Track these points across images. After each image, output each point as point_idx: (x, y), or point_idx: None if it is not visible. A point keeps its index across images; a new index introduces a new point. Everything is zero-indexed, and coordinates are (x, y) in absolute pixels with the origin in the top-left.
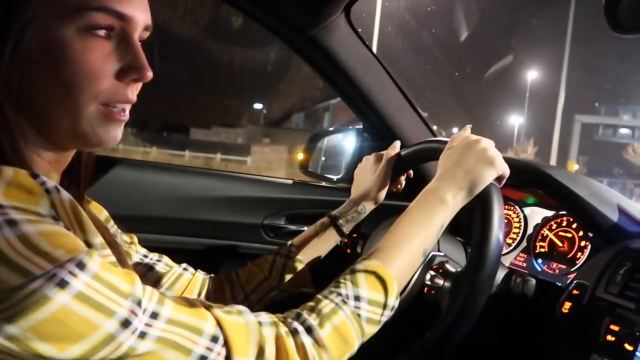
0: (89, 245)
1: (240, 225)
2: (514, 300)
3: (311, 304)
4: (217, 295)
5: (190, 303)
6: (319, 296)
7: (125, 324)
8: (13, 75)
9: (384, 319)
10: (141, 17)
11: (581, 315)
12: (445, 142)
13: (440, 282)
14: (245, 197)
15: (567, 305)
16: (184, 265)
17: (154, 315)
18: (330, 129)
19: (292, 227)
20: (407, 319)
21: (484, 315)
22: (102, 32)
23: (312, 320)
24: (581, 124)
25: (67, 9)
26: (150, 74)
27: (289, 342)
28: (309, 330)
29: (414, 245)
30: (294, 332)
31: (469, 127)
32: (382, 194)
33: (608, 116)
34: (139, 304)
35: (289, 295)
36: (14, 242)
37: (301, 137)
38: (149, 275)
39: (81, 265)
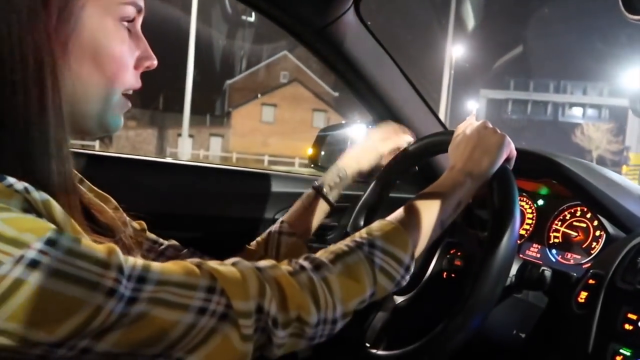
0: None
1: (253, 220)
2: (529, 290)
3: (325, 249)
4: None
5: (179, 264)
6: (333, 245)
7: (111, 292)
8: (59, 66)
9: (398, 277)
10: (143, 9)
11: (598, 305)
12: (452, 133)
13: (459, 261)
14: (257, 192)
15: (584, 295)
16: (192, 249)
17: (141, 280)
18: (335, 123)
19: None
20: (429, 304)
21: (499, 305)
22: (126, 24)
23: (323, 257)
24: (487, 99)
25: (109, 2)
26: (156, 62)
27: (293, 279)
28: (318, 267)
29: (430, 215)
30: (299, 270)
31: (473, 115)
32: (365, 166)
33: (517, 90)
34: (121, 271)
35: None
36: None
37: (175, 120)
38: (161, 260)
39: (50, 242)
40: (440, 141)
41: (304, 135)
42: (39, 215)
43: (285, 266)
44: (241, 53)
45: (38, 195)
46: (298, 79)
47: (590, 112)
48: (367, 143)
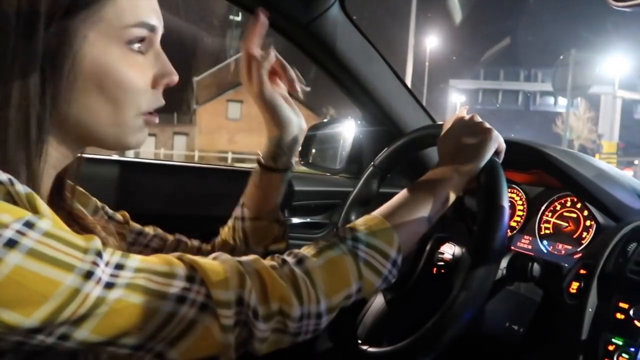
0: None
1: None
2: (521, 282)
3: (310, 244)
4: None
5: (159, 256)
6: (317, 240)
7: (88, 275)
8: (60, 96)
9: (385, 271)
10: (161, 25)
11: (589, 295)
12: (440, 126)
13: (449, 256)
14: (228, 190)
15: (575, 285)
16: (178, 236)
17: (119, 267)
18: (327, 120)
19: (295, 220)
20: (420, 300)
21: (491, 298)
22: (136, 47)
23: (306, 252)
24: (456, 90)
25: (113, 28)
26: (177, 77)
27: (274, 272)
28: (300, 261)
29: (417, 210)
30: (281, 263)
31: (464, 108)
32: (295, 131)
33: (488, 80)
34: (99, 255)
35: (264, 253)
36: None
37: None
38: (145, 254)
39: (29, 224)
40: (428, 134)
41: None
42: (23, 206)
43: (267, 261)
44: (211, 49)
45: (22, 188)
46: None
47: (561, 100)
48: (287, 116)
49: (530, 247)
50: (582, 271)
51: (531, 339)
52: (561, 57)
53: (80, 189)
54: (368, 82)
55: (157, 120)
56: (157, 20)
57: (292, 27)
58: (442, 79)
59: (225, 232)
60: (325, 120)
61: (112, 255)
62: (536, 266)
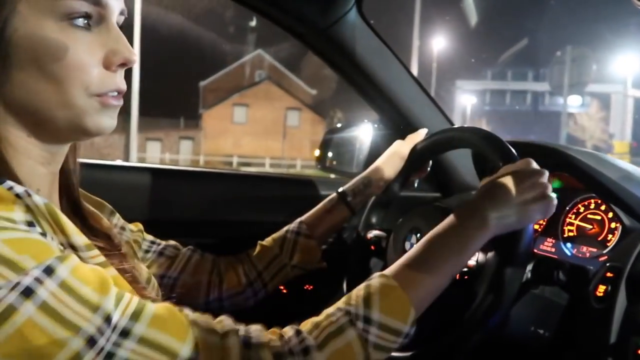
0: (71, 246)
1: (263, 224)
2: (546, 286)
3: (317, 319)
4: (229, 276)
5: (172, 316)
6: (326, 311)
7: (91, 342)
8: (4, 77)
9: (395, 346)
10: (116, 2)
11: (617, 298)
12: (460, 129)
13: (473, 262)
14: (267, 196)
15: (602, 288)
16: (191, 247)
17: (125, 334)
18: (340, 125)
19: None
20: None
21: (516, 303)
22: (80, 22)
23: (312, 340)
24: (463, 91)
25: (44, 0)
26: (135, 57)
27: None
28: (306, 351)
29: (441, 270)
30: (287, 354)
31: (529, 161)
32: (389, 173)
33: (495, 80)
34: (108, 319)
35: (302, 271)
36: None
37: (148, 124)
38: (160, 262)
39: (49, 271)
40: (450, 137)
41: (278, 135)
42: (43, 219)
43: (274, 341)
44: (218, 53)
45: (39, 199)
46: (270, 77)
47: (571, 100)
48: (391, 150)
49: (553, 249)
50: (608, 274)
51: (557, 343)
52: (558, 53)
53: (90, 195)
54: (386, 86)
55: (119, 102)
56: None
57: (310, 33)
58: (452, 80)
59: (271, 240)
60: (339, 125)
61: (122, 316)
62: (561, 269)
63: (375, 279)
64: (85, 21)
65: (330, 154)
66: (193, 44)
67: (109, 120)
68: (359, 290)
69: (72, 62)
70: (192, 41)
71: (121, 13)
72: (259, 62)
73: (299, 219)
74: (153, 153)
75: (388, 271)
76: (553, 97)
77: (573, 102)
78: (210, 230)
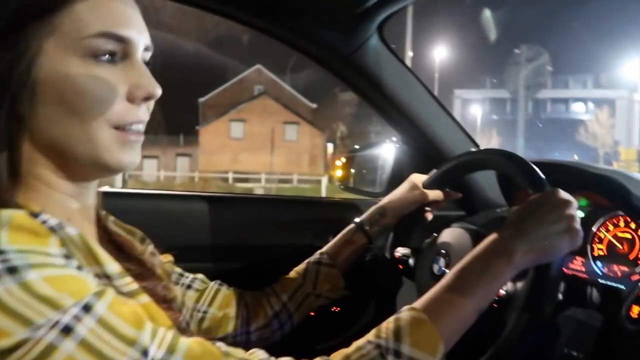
0: (105, 276)
1: (288, 247)
2: (578, 308)
3: (347, 351)
4: (256, 309)
5: (205, 349)
6: (356, 343)
7: None
8: (25, 112)
9: None
10: (140, 38)
11: None
12: (484, 151)
13: (502, 292)
14: (292, 219)
15: (636, 309)
16: (219, 281)
17: None
18: (364, 144)
19: None
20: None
21: (548, 327)
22: (105, 57)
23: None
24: (461, 99)
25: (71, 39)
26: (159, 90)
27: None
28: None
29: (469, 305)
30: None
31: (568, 198)
32: (404, 204)
33: (494, 88)
34: (145, 353)
35: (326, 301)
36: (15, 291)
37: (147, 142)
38: (188, 294)
39: (87, 308)
40: (475, 159)
41: (277, 150)
42: (78, 250)
43: None
44: (216, 70)
45: (73, 230)
46: (267, 92)
47: (574, 106)
48: (408, 181)
49: (583, 269)
50: None
51: None
52: (516, 50)
53: (121, 223)
54: (409, 108)
55: (140, 138)
56: (131, 31)
57: (333, 59)
58: (450, 89)
59: (293, 272)
60: (358, 146)
61: (158, 348)
62: (595, 291)
63: (405, 312)
64: (110, 57)
65: (354, 171)
66: (186, 60)
67: (131, 156)
68: (389, 323)
69: (95, 97)
70: (184, 57)
71: (146, 49)
72: (258, 77)
73: (319, 251)
74: (149, 170)
75: (417, 304)
76: (554, 104)
77: (577, 109)
78: (236, 254)
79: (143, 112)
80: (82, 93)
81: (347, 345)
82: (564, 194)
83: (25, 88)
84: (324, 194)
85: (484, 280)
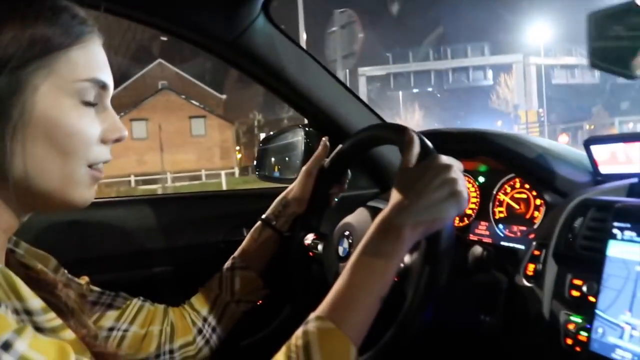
0: (26, 312)
1: (199, 247)
2: (487, 273)
3: None
4: (181, 324)
5: None
6: None
7: None
8: (8, 145)
9: None
10: (111, 83)
11: (545, 275)
12: (386, 126)
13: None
14: (202, 216)
15: (531, 267)
16: (142, 298)
17: None
18: (277, 131)
19: None
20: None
21: (458, 292)
22: (89, 101)
23: None
24: (366, 77)
25: (65, 81)
26: (126, 134)
27: None
28: None
29: (370, 295)
30: None
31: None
32: (303, 190)
33: (397, 63)
34: None
35: (248, 305)
36: None
37: None
38: (109, 314)
39: (6, 346)
40: (362, 138)
41: (183, 147)
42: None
43: None
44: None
45: None
46: (169, 86)
47: (474, 74)
48: (306, 167)
49: (487, 232)
50: (536, 252)
51: (503, 325)
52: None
53: (36, 249)
54: (307, 89)
55: (101, 175)
56: (108, 77)
57: (219, 45)
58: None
59: (207, 286)
60: (273, 132)
61: None
62: (491, 253)
63: (311, 323)
64: (92, 101)
65: (268, 163)
66: None
67: (92, 194)
68: (297, 338)
69: (82, 138)
70: None
71: (103, 87)
72: (161, 72)
73: (232, 256)
74: None
75: (322, 310)
76: (455, 73)
77: (477, 77)
78: (149, 260)
79: (109, 152)
80: (72, 135)
81: (271, 338)
82: (443, 159)
83: (16, 124)
84: (224, 187)
85: (377, 266)
